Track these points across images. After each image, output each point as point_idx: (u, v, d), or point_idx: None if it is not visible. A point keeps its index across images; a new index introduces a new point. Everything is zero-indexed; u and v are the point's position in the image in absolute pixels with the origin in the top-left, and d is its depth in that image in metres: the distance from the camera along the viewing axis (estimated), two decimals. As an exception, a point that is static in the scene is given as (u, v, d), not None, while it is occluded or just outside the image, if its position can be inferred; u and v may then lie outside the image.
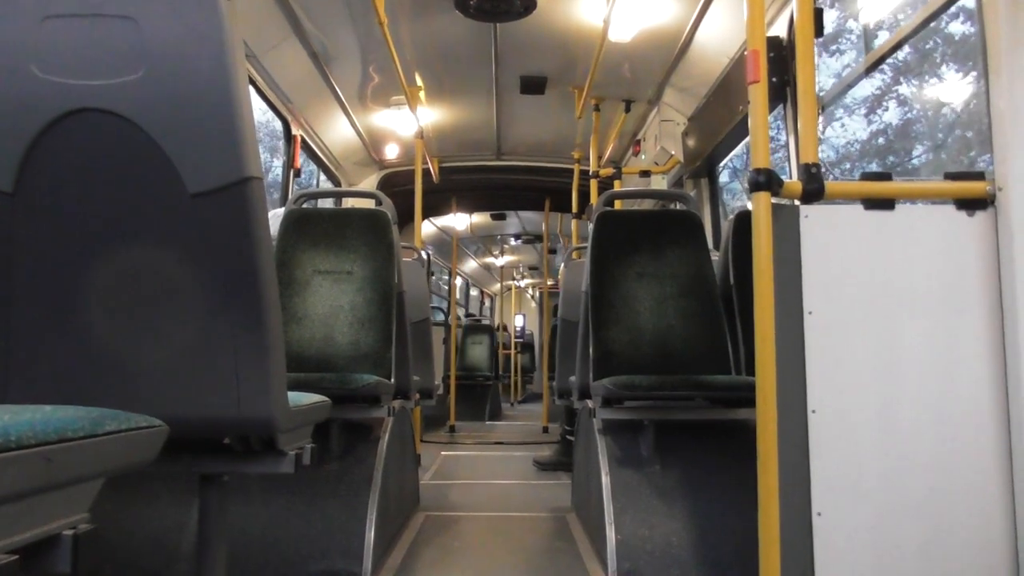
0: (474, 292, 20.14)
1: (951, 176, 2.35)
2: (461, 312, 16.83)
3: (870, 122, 8.72)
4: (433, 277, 14.67)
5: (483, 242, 15.46)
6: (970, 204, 2.31)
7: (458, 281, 18.15)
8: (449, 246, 12.59)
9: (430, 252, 13.50)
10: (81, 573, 1.06)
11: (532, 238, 13.41)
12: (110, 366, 1.63)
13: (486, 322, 14.29)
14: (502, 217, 12.53)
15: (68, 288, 1.60)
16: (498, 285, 18.44)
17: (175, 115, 1.49)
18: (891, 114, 8.60)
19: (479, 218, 12.66)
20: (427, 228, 11.54)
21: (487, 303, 20.94)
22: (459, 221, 12.31)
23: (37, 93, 1.47)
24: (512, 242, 14.69)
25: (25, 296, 1.59)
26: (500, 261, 13.40)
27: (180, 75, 1.48)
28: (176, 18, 1.47)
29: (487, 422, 11.29)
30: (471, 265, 17.56)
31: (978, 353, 2.27)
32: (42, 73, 1.47)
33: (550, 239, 11.34)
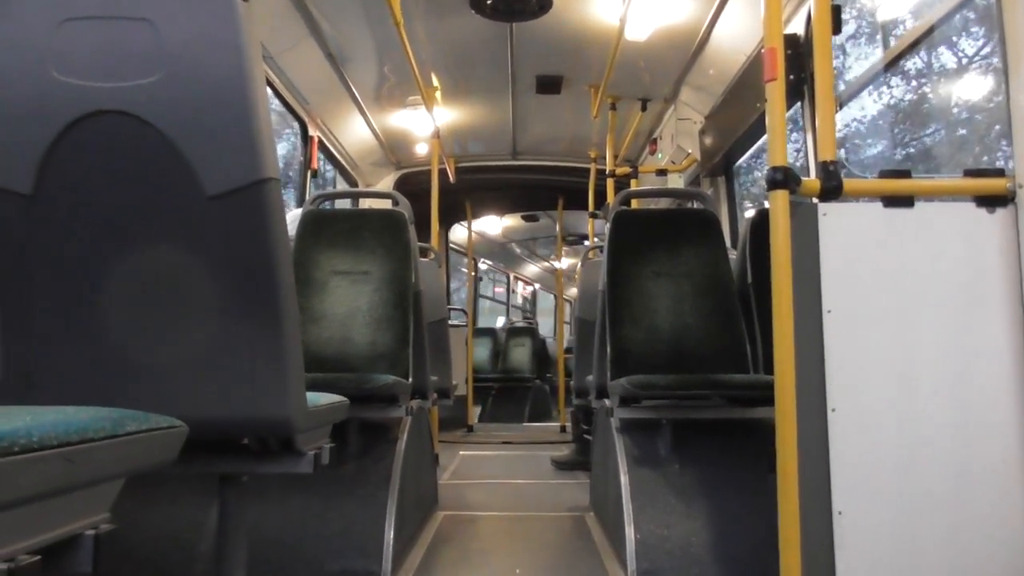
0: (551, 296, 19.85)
1: (971, 173, 2.33)
2: (516, 316, 16.80)
3: (880, 95, 8.62)
4: (482, 281, 14.68)
5: (539, 245, 15.40)
6: (990, 201, 2.29)
7: (524, 288, 18.03)
8: (497, 250, 12.51)
9: (477, 260, 13.52)
10: (102, 573, 1.06)
11: (576, 239, 13.29)
12: (130, 367, 1.64)
13: (530, 325, 14.27)
14: (534, 219, 12.50)
15: (87, 290, 1.60)
16: (573, 289, 18.18)
17: (192, 117, 1.50)
18: (900, 90, 8.50)
19: (512, 221, 12.63)
20: (461, 233, 11.57)
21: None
22: (493, 225, 12.27)
23: (56, 95, 1.48)
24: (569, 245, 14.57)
25: (45, 298, 1.60)
26: (561, 264, 13.39)
27: (197, 77, 1.49)
28: (193, 20, 1.48)
29: (524, 423, 11.28)
30: (532, 270, 17.43)
31: (998, 350, 2.25)
32: (61, 75, 1.48)
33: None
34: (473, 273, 11.85)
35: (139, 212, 1.58)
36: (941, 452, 2.21)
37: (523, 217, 12.41)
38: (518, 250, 15.40)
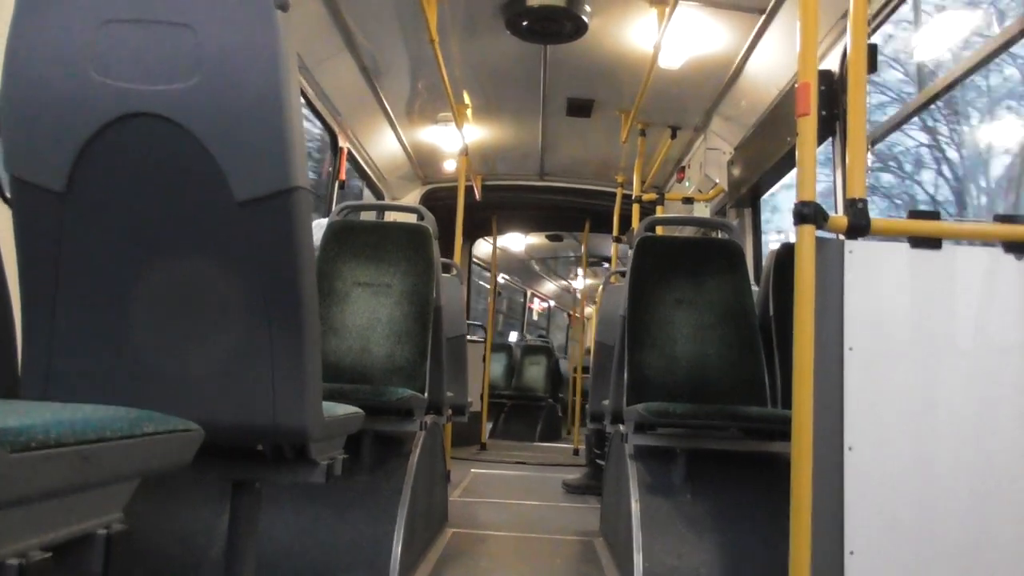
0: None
1: (1000, 218, 2.32)
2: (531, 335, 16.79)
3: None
4: (502, 295, 14.67)
5: (559, 264, 15.39)
6: (1019, 247, 2.27)
7: (539, 304, 18.07)
8: (516, 265, 12.46)
9: (499, 275, 13.61)
10: (112, 574, 1.06)
11: (596, 260, 13.21)
12: (149, 368, 1.65)
13: (546, 343, 14.24)
14: (559, 239, 12.49)
15: (112, 289, 1.62)
16: (588, 309, 18.21)
17: (226, 123, 1.51)
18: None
19: (536, 239, 12.64)
20: (484, 248, 11.58)
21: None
22: (516, 242, 12.29)
23: (93, 96, 1.50)
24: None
25: (70, 295, 1.61)
26: (579, 284, 13.42)
27: (233, 84, 1.50)
28: (232, 28, 1.50)
29: (535, 443, 11.26)
30: (549, 287, 17.39)
31: (1019, 396, 2.23)
32: (99, 76, 1.49)
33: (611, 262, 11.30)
34: (495, 288, 11.86)
35: (168, 214, 1.59)
36: (958, 496, 2.19)
37: (547, 236, 12.42)
38: (537, 267, 15.41)
